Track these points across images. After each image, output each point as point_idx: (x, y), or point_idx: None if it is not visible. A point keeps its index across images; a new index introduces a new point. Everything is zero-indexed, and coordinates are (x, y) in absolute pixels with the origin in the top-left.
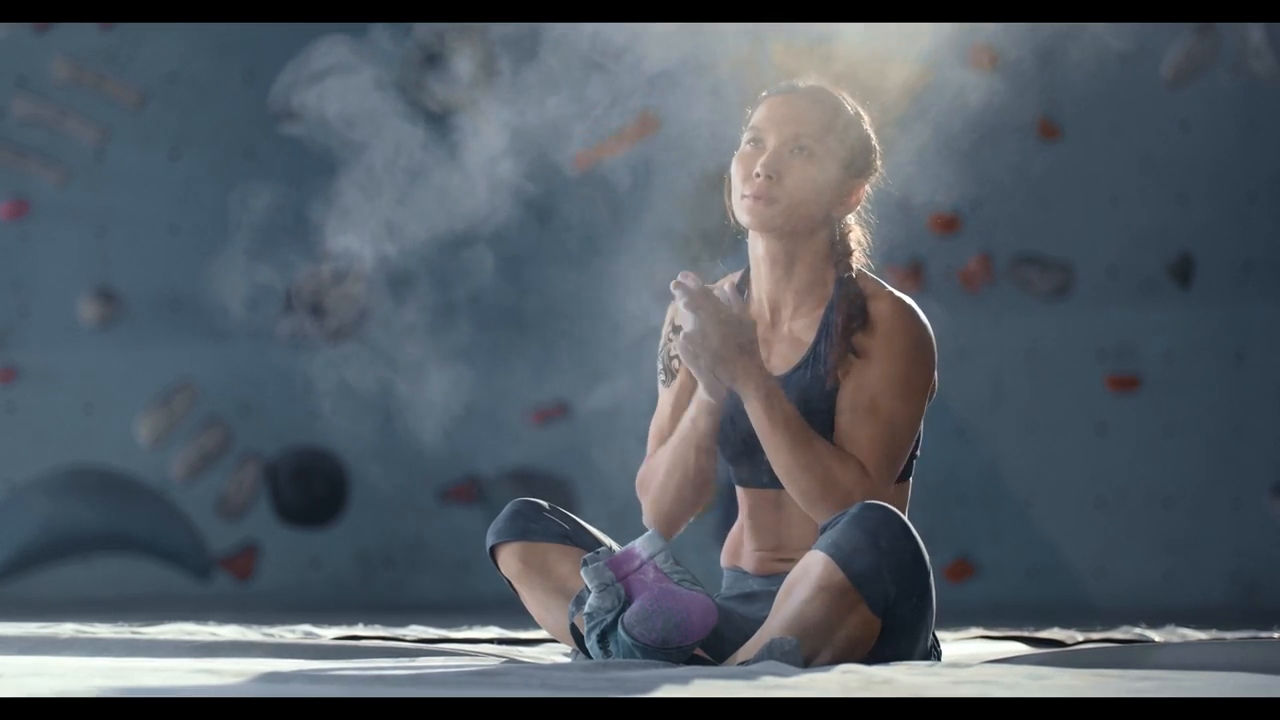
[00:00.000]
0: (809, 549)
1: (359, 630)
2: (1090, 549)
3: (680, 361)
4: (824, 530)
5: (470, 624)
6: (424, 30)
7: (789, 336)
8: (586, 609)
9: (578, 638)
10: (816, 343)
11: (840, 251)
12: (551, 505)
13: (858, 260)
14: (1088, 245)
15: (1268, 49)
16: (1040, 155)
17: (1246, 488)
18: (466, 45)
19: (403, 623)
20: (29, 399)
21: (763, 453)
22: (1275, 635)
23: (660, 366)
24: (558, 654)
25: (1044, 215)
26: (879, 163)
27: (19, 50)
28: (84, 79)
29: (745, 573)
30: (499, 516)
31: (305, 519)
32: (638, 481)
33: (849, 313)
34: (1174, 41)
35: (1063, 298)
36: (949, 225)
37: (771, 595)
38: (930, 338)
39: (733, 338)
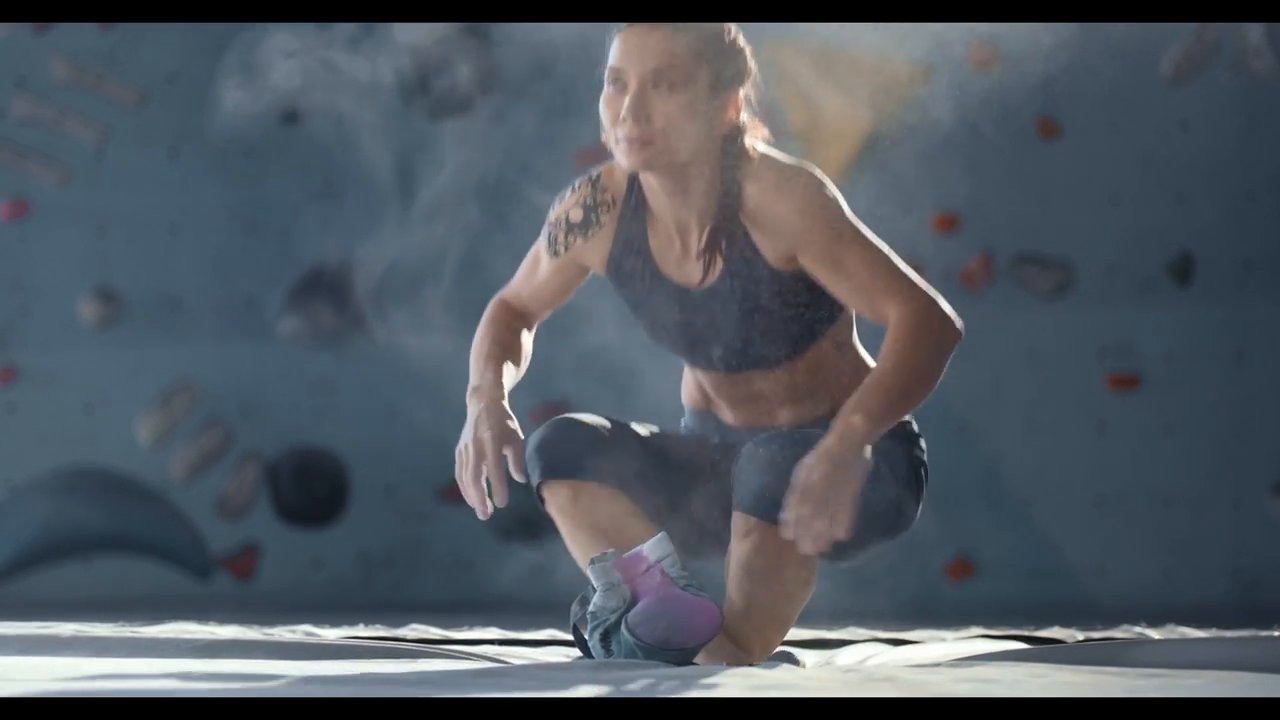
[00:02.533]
0: (789, 400)
1: (359, 630)
2: (1090, 548)
3: (566, 248)
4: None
5: (470, 624)
6: (424, 31)
7: (702, 254)
8: (591, 608)
9: (579, 639)
10: (727, 249)
11: (734, 156)
12: (598, 425)
13: (752, 152)
14: (1087, 244)
15: (1268, 49)
16: (1040, 155)
17: (1246, 487)
18: (466, 46)
19: (403, 623)
20: (29, 399)
21: (706, 342)
22: (1275, 634)
23: (548, 239)
24: (558, 654)
25: (1044, 215)
26: (751, 63)
27: (19, 50)
28: (84, 79)
29: (722, 421)
30: (546, 441)
31: (305, 519)
32: (485, 315)
33: (725, 207)
34: (1174, 41)
35: (1063, 297)
36: (949, 225)
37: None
38: (812, 171)
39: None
